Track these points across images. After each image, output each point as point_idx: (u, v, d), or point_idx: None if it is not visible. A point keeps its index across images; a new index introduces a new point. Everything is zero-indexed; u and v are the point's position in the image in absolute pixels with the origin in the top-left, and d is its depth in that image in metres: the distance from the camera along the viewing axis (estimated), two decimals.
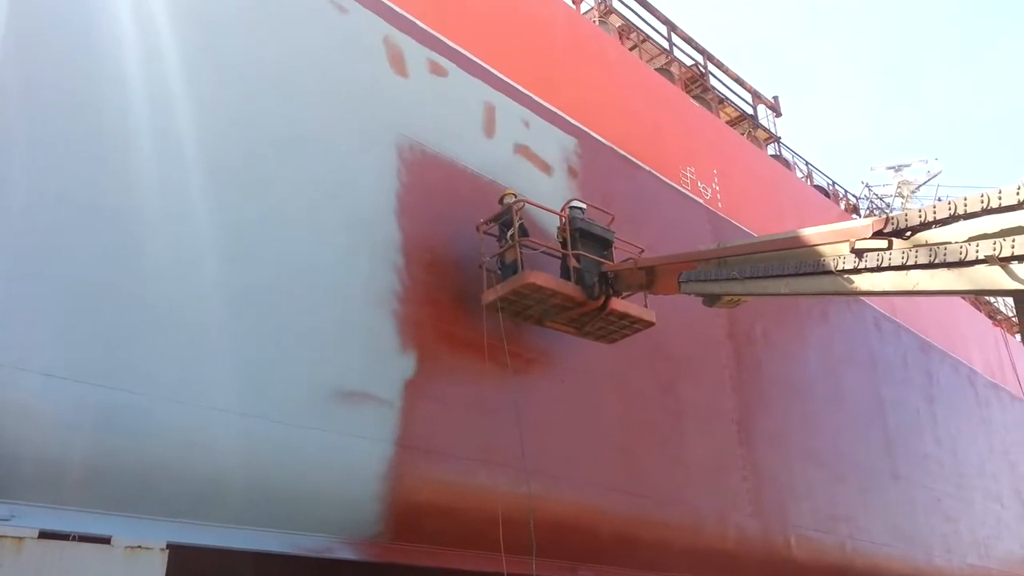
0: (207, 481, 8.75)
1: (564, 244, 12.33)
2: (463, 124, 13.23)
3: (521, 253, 11.76)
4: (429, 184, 12.19)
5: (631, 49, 20.90)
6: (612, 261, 12.45)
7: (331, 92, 11.43)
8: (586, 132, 15.39)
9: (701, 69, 22.74)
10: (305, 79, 11.20)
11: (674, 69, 21.45)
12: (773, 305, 17.57)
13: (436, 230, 12.06)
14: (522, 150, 13.92)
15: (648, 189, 15.95)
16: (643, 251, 12.57)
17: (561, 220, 12.48)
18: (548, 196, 13.32)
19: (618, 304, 12.29)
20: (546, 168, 14.24)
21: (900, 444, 20.82)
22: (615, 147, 15.89)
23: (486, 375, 11.59)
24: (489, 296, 11.77)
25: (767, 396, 17.08)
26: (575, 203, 12.69)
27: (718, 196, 18.44)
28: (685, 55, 22.56)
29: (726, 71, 23.77)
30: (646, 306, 12.80)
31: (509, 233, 11.97)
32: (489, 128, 13.66)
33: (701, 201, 17.80)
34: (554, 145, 14.57)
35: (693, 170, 17.90)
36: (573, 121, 15.27)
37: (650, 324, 12.79)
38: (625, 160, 16.11)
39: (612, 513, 12.94)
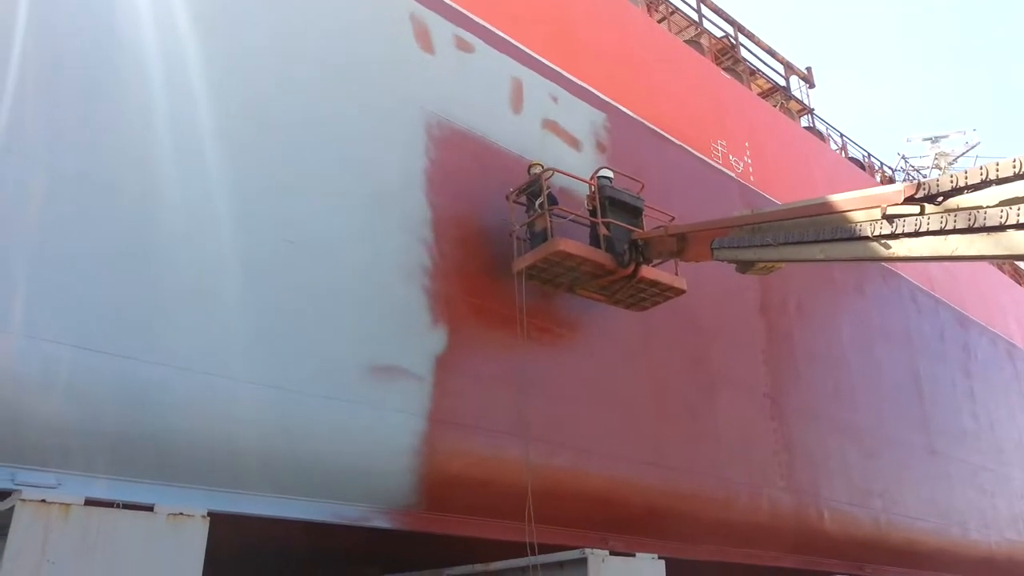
0: (246, 452, 9.09)
1: (593, 212, 12.47)
2: (490, 100, 13.33)
3: (551, 221, 11.90)
4: (457, 160, 12.33)
5: (659, 21, 20.86)
6: (642, 228, 12.57)
7: (357, 70, 11.57)
8: (615, 107, 15.48)
9: (732, 40, 22.60)
10: (330, 57, 11.33)
11: (704, 41, 21.30)
12: (806, 276, 17.68)
13: (465, 204, 12.21)
14: (550, 125, 14.01)
15: (678, 163, 16.01)
16: (673, 219, 12.66)
17: (590, 188, 12.64)
18: (577, 171, 13.43)
19: (648, 272, 12.42)
20: (574, 143, 14.31)
21: (936, 418, 20.69)
22: (645, 121, 15.98)
23: (516, 348, 11.74)
24: (519, 264, 11.96)
25: (800, 369, 17.09)
26: (604, 171, 12.80)
27: (750, 169, 18.27)
28: (715, 27, 22.45)
29: (757, 42, 23.62)
30: (676, 274, 12.89)
31: (538, 202, 12.14)
32: (516, 103, 13.72)
33: (732, 175, 17.77)
34: (582, 120, 14.69)
35: (724, 143, 17.77)
36: (602, 95, 15.31)
37: (681, 292, 12.90)
38: (655, 134, 16.14)
39: (643, 485, 13.10)
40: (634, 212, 12.68)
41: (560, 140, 14.08)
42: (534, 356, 12.03)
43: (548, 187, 12.13)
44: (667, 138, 16.40)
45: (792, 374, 16.85)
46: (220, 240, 9.43)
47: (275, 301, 9.72)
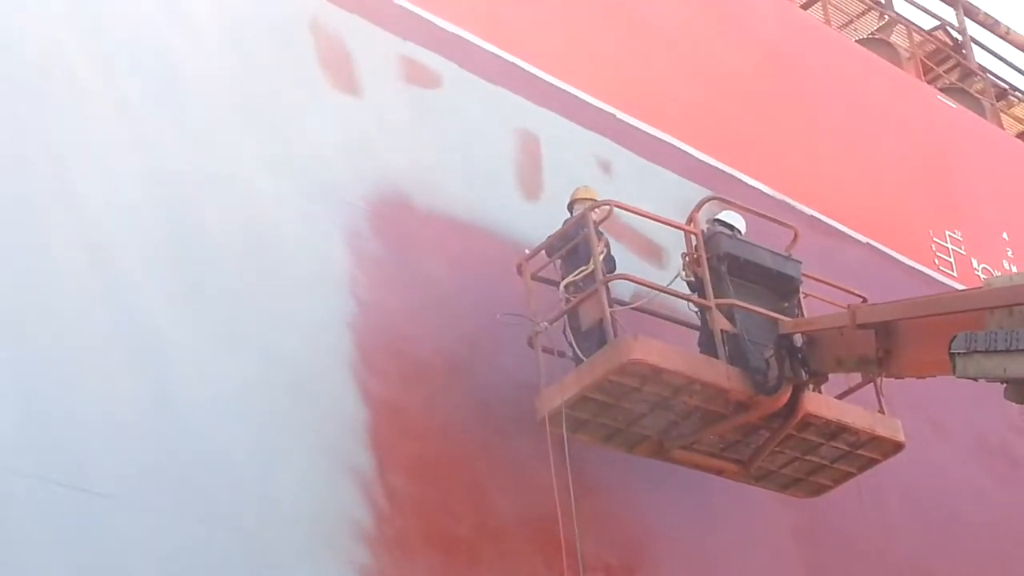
0: None
1: (697, 286, 9.81)
2: (475, 176, 10.68)
3: (611, 304, 9.27)
4: (412, 294, 9.98)
5: (807, 6, 17.63)
6: (800, 315, 10.10)
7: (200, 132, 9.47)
8: (728, 174, 12.30)
9: (953, 33, 19.09)
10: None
11: (899, 38, 18.06)
12: None
13: (434, 371, 9.66)
14: (607, 223, 10.57)
15: (868, 280, 11.81)
16: (865, 300, 9.91)
17: (693, 241, 10.02)
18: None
19: (821, 404, 9.52)
20: (652, 253, 11.27)
21: None
22: (788, 200, 12.51)
23: None
24: (551, 400, 9.17)
25: None
26: (723, 216, 10.37)
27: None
28: (918, 9, 18.57)
29: (1003, 34, 19.68)
30: (882, 409, 9.84)
31: (580, 271, 9.53)
32: (529, 179, 11.00)
33: None
34: (665, 202, 11.23)
35: (959, 235, 14.46)
36: (699, 155, 12.20)
37: (895, 447, 9.98)
38: (809, 223, 12.51)
39: None
40: (782, 287, 10.13)
41: (623, 246, 10.81)
42: None
43: (604, 244, 9.69)
44: (840, 231, 13.03)
45: None
46: None
47: None
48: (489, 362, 10.09)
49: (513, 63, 11.42)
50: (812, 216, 12.72)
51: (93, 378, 7.79)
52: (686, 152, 12.16)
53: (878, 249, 13.37)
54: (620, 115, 11.79)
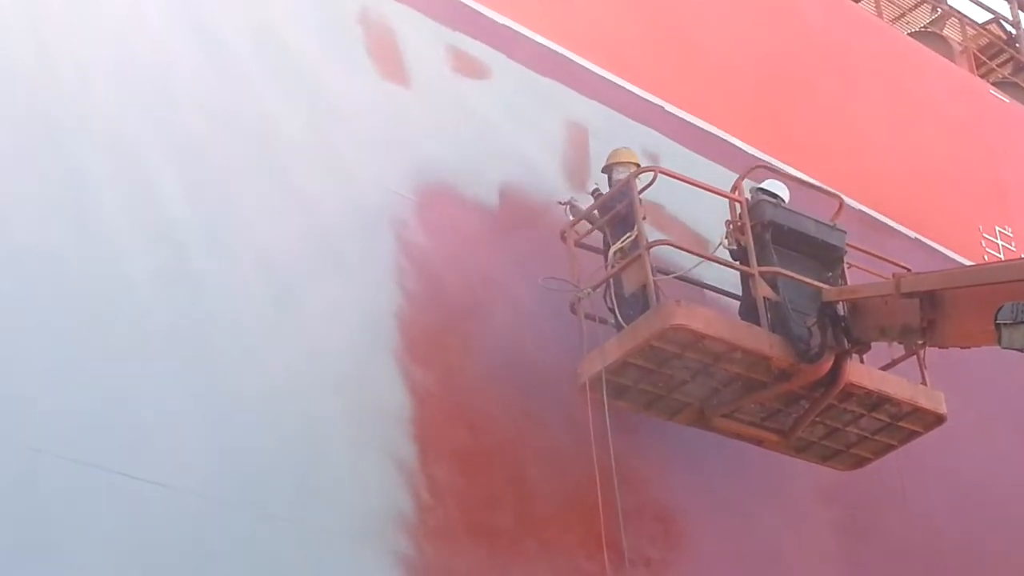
0: None
1: (739, 255, 9.79)
2: (524, 170, 10.70)
3: (653, 271, 9.28)
4: (459, 279, 10.08)
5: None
6: (844, 284, 10.06)
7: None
8: (776, 167, 11.58)
9: (1006, 27, 18.75)
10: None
11: (951, 32, 17.88)
12: None
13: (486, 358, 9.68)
14: (653, 215, 10.46)
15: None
16: (909, 269, 10.10)
17: (737, 209, 9.97)
18: None
19: (864, 374, 9.58)
20: (699, 246, 10.90)
21: None
22: (843, 196, 11.71)
23: None
24: (592, 365, 9.24)
25: None
26: (767, 185, 10.23)
27: None
28: (971, 2, 18.27)
29: None
30: (924, 381, 9.88)
31: (626, 238, 9.54)
32: (577, 170, 10.95)
33: None
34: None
35: (1009, 231, 14.34)
36: (747, 148, 12.05)
37: (937, 419, 9.97)
38: (864, 219, 12.53)
39: None
40: (826, 256, 10.02)
41: (669, 237, 10.78)
42: None
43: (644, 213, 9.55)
44: (883, 223, 12.90)
45: None
46: None
47: None
48: (533, 353, 10.03)
49: (561, 54, 11.34)
50: (860, 210, 12.52)
51: (146, 371, 7.93)
52: (734, 144, 12.07)
53: (926, 244, 13.31)
54: (668, 107, 11.73)
